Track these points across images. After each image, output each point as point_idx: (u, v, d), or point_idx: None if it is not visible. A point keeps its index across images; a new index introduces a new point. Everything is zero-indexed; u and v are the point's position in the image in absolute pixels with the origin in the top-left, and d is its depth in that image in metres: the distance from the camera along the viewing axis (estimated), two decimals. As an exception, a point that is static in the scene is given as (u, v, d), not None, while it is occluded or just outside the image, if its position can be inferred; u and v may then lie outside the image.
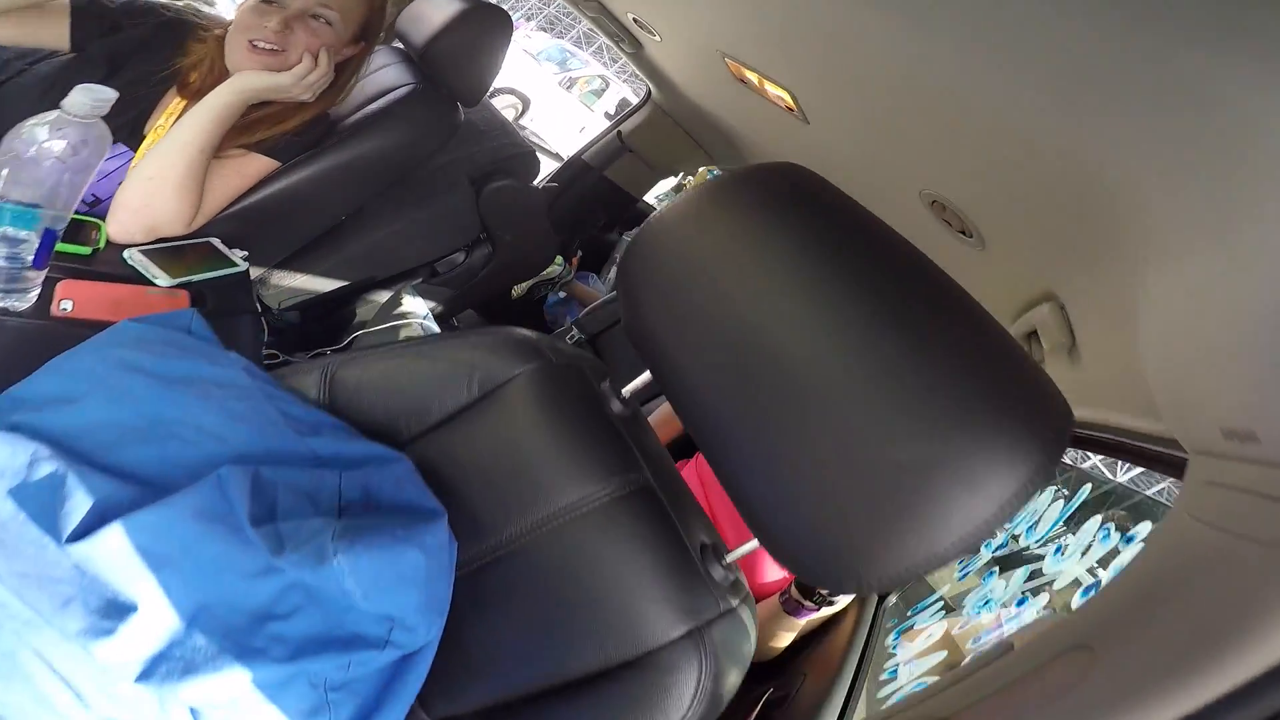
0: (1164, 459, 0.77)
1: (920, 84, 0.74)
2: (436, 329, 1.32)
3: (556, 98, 6.47)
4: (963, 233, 0.97)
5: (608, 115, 6.69)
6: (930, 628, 1.09)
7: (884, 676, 1.11)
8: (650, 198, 3.19)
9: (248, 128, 1.01)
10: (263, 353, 1.24)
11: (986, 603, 1.07)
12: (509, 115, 6.33)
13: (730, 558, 0.56)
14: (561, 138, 6.75)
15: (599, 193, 2.65)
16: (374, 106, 1.14)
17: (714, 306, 0.44)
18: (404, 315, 1.30)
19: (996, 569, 1.11)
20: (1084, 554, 1.02)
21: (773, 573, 1.06)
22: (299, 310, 1.35)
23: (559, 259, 2.64)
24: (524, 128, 6.42)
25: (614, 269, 3.01)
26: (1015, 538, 1.12)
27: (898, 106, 0.83)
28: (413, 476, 0.62)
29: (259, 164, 1.03)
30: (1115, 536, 1.00)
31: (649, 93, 2.22)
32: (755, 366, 0.41)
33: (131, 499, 0.51)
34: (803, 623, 0.99)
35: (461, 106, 1.25)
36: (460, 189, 1.36)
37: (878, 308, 0.39)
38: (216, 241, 1.04)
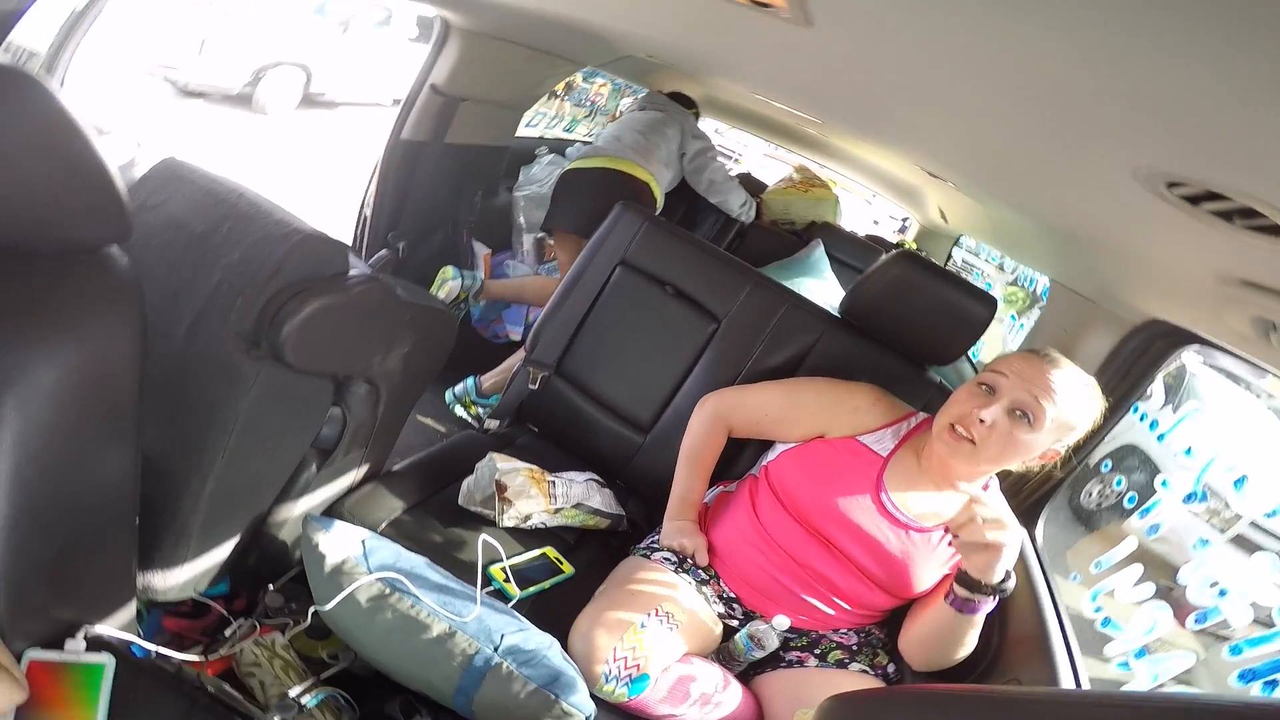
0: None
1: None
2: (395, 556, 0.86)
3: (339, 48, 5.28)
4: (1267, 228, 0.47)
5: (411, 40, 5.52)
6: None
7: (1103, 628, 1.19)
8: (525, 131, 2.46)
9: None
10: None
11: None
12: (295, 94, 5.10)
13: None
14: (370, 87, 5.63)
15: (453, 166, 1.95)
16: None
17: None
18: (340, 570, 0.81)
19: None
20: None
21: (925, 579, 0.97)
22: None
23: (449, 270, 2.02)
24: (320, 95, 5.28)
25: (525, 235, 2.36)
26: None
27: None
28: None
29: None
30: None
31: (444, 24, 1.50)
32: None
33: None
34: (981, 619, 0.88)
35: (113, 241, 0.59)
36: (238, 370, 0.74)
37: None
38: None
